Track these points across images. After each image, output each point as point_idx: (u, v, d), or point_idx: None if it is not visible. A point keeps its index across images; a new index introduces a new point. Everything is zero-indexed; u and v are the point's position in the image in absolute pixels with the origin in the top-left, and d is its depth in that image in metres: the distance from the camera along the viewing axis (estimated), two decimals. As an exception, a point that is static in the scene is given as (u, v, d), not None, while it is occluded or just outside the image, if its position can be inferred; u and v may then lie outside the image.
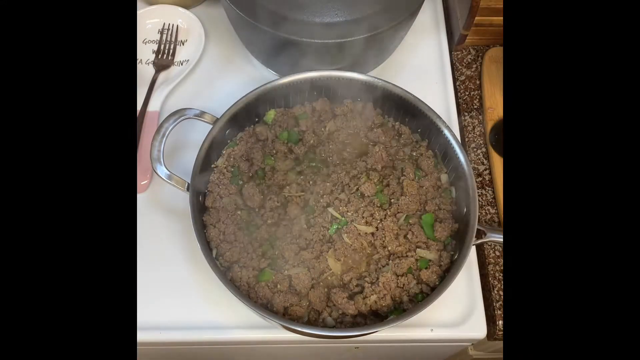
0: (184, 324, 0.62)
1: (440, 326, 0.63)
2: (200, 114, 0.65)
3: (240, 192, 0.64)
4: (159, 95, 0.75)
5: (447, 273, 0.59)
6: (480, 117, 0.75)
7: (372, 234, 0.61)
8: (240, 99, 0.65)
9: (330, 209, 0.62)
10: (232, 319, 0.63)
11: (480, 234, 0.60)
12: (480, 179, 0.71)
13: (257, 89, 0.66)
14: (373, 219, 0.61)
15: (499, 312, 0.63)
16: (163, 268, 0.65)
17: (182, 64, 0.79)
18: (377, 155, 0.65)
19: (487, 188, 0.71)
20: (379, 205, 0.62)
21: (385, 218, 0.62)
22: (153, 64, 0.78)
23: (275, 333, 0.62)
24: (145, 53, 0.79)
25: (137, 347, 0.62)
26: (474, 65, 0.79)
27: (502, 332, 0.63)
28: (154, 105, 0.74)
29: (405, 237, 0.61)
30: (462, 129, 0.75)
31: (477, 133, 0.74)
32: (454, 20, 0.82)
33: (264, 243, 0.61)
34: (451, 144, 0.64)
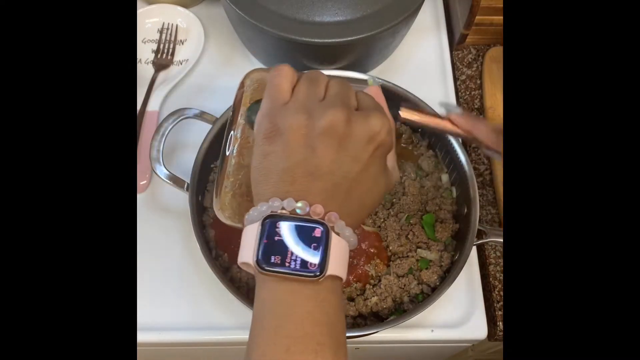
0: (184, 325, 0.62)
1: (440, 327, 0.62)
2: (200, 114, 0.64)
3: (240, 192, 0.64)
4: (159, 95, 0.75)
5: (447, 273, 0.59)
6: (480, 116, 0.75)
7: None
8: (240, 99, 0.65)
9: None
10: (232, 319, 0.62)
11: (481, 234, 0.60)
12: (481, 179, 0.71)
13: (257, 89, 0.65)
14: (377, 217, 0.61)
15: (500, 312, 0.63)
16: (162, 268, 0.65)
17: (181, 64, 0.78)
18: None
19: (488, 188, 0.70)
20: (382, 203, 0.62)
21: (388, 218, 0.61)
22: (152, 63, 0.78)
23: (275, 334, 0.62)
24: (144, 52, 0.79)
25: (137, 348, 0.62)
26: (475, 65, 0.79)
27: (502, 333, 0.63)
28: (153, 105, 0.74)
29: (406, 237, 0.61)
30: (463, 128, 0.75)
31: (478, 133, 0.74)
32: (454, 19, 0.81)
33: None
34: (452, 143, 0.63)
